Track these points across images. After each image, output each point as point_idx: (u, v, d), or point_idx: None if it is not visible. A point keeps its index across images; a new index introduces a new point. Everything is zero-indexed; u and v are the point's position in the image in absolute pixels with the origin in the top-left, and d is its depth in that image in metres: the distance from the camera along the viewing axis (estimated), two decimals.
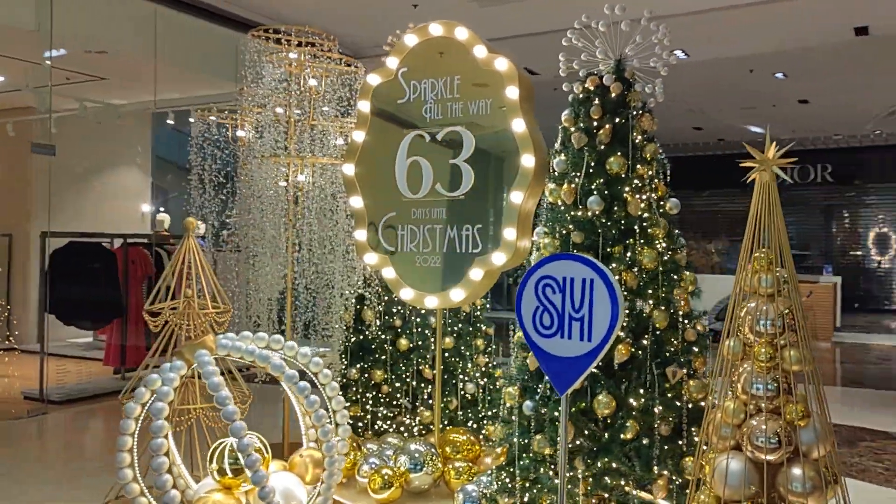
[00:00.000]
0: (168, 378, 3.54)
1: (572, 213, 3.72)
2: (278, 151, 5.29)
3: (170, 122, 11.11)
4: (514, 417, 3.75)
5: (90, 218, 11.26)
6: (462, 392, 5.43)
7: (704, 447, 3.17)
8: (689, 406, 3.52)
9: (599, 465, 3.44)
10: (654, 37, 3.70)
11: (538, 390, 3.67)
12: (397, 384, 5.42)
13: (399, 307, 5.50)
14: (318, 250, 5.20)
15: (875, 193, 18.88)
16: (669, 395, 3.51)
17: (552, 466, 3.56)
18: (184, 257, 4.58)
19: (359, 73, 5.11)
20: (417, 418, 5.29)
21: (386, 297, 5.49)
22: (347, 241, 5.19)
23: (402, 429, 5.33)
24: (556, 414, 3.52)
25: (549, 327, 3.14)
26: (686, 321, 3.65)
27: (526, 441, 3.64)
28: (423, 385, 5.43)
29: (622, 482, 3.43)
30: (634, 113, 3.76)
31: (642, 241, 3.65)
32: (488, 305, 5.77)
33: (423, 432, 5.19)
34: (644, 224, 3.65)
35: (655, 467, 3.42)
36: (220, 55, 9.21)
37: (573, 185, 3.75)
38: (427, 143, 4.40)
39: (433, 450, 4.39)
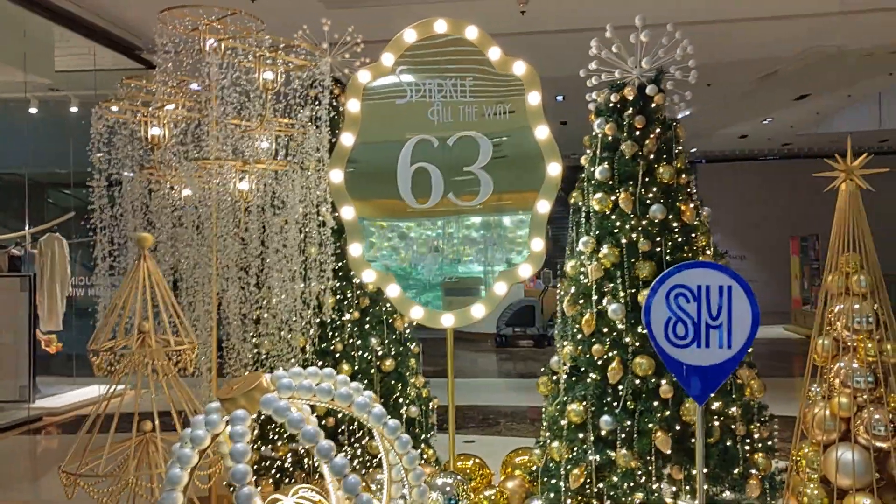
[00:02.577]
0: (238, 433, 2.83)
1: (632, 222, 3.69)
2: (206, 154, 4.53)
3: None
4: (581, 434, 3.62)
5: None
6: (405, 415, 5.09)
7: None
8: (751, 405, 3.67)
9: (694, 471, 3.45)
10: (680, 47, 3.82)
11: (615, 405, 3.57)
12: (339, 415, 4.91)
13: (336, 332, 4.98)
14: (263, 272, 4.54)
15: None
16: (739, 396, 3.63)
17: (641, 478, 3.48)
18: (137, 282, 3.71)
19: (316, 66, 4.54)
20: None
21: (318, 320, 4.96)
22: (294, 262, 4.59)
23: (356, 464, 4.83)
24: (648, 425, 3.46)
25: (683, 337, 3.08)
26: None
27: (603, 457, 3.52)
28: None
29: (715, 486, 3.47)
30: (674, 122, 3.85)
31: (695, 248, 3.74)
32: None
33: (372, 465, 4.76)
34: (696, 233, 3.75)
35: (740, 467, 3.51)
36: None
37: (630, 194, 3.72)
38: (435, 148, 4.06)
39: (461, 479, 4.04)
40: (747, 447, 3.59)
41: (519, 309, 12.68)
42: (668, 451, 3.44)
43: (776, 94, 12.01)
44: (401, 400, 5.07)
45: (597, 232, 3.79)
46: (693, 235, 3.73)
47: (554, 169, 3.99)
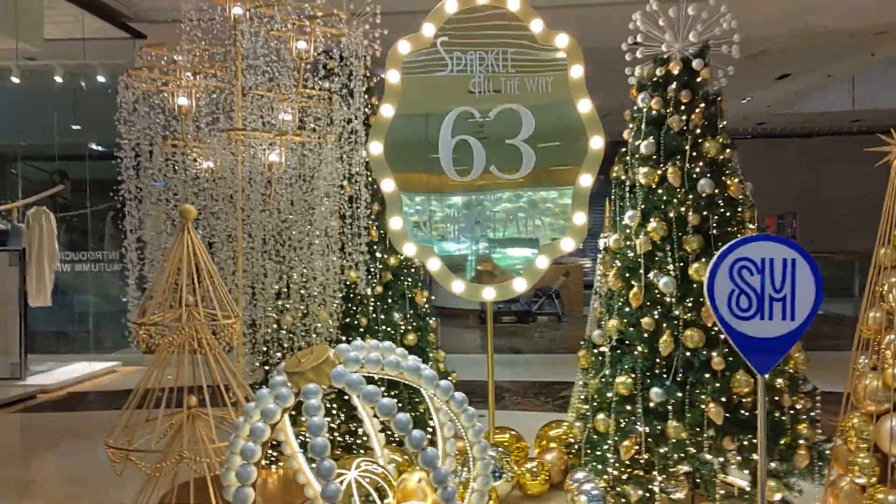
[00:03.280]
0: (313, 406, 2.79)
1: (680, 196, 3.71)
2: (232, 125, 4.44)
3: None
4: (629, 406, 3.65)
5: None
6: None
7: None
8: (795, 377, 3.73)
9: (746, 442, 3.51)
10: (723, 20, 3.82)
11: (665, 378, 3.61)
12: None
13: (359, 307, 4.93)
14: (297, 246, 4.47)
15: None
16: (785, 368, 3.69)
17: (691, 449, 3.53)
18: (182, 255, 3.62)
19: (342, 34, 4.43)
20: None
21: (342, 294, 4.90)
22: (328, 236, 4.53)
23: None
24: (701, 396, 3.50)
25: (746, 309, 3.11)
26: None
27: (651, 429, 3.56)
28: (396, 392, 4.97)
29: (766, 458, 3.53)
30: (718, 97, 3.86)
31: (741, 222, 3.77)
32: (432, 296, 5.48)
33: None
34: (742, 207, 3.78)
35: (788, 437, 3.58)
36: None
37: (678, 168, 3.73)
38: (477, 121, 4.02)
39: (503, 451, 4.05)
40: (792, 418, 3.66)
41: None
42: (720, 423, 3.48)
43: (759, 73, 12.14)
44: None
45: (643, 206, 3.80)
46: (739, 210, 3.76)
47: (596, 142, 3.99)
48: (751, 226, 3.82)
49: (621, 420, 3.67)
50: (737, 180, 3.78)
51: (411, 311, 5.09)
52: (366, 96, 4.48)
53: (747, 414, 3.56)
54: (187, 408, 3.69)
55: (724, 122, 3.85)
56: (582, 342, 4.13)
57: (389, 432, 3.36)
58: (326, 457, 2.66)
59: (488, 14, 4.04)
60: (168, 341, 3.60)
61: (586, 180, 3.97)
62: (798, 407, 3.68)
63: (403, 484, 3.22)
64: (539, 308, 13.09)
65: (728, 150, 3.82)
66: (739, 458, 3.52)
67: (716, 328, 3.58)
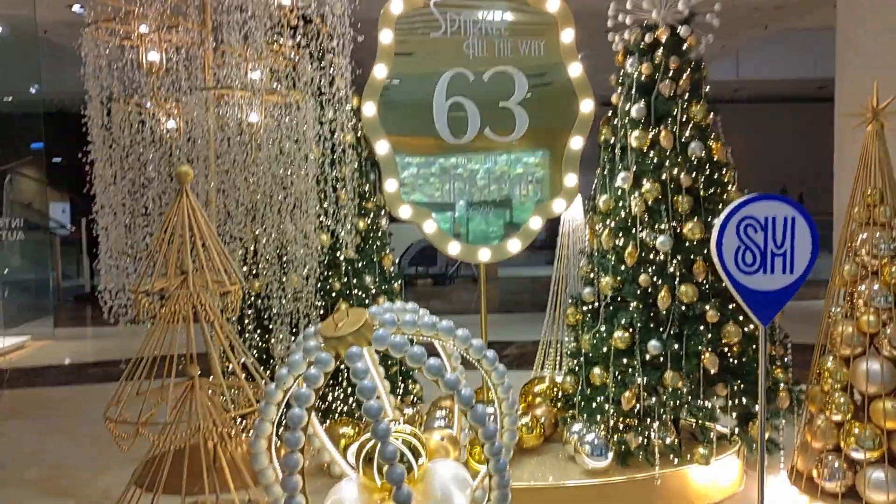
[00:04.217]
0: (361, 370, 2.78)
1: (671, 159, 3.88)
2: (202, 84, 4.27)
3: None
4: (625, 359, 3.83)
5: None
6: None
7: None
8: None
9: (735, 388, 3.77)
10: None
11: (661, 331, 3.80)
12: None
13: (329, 270, 4.88)
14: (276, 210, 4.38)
15: None
16: None
17: (689, 398, 3.76)
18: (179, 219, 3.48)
19: None
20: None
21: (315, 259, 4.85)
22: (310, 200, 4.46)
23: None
24: (697, 348, 3.72)
25: (751, 265, 3.33)
26: None
27: (648, 380, 3.76)
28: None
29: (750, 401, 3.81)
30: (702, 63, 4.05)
31: (726, 183, 3.99)
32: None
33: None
34: (725, 169, 4.00)
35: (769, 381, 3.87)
36: None
37: (669, 131, 3.90)
38: (471, 83, 4.04)
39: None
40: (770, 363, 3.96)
41: (421, 249, 12.82)
42: (715, 370, 3.73)
43: None
44: None
45: (634, 168, 3.96)
46: (723, 171, 3.98)
47: (587, 106, 4.09)
48: (732, 187, 4.05)
49: (618, 372, 3.85)
50: (720, 143, 4.00)
51: (379, 275, 5.10)
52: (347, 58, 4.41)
53: (735, 362, 3.82)
54: (188, 377, 3.58)
55: (707, 88, 4.05)
56: (571, 300, 4.28)
57: None
58: (383, 419, 2.67)
59: None
60: (166, 310, 3.47)
61: (577, 143, 4.08)
62: (773, 354, 3.98)
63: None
64: (456, 271, 13.28)
65: (711, 115, 4.02)
66: (730, 402, 3.78)
67: (706, 283, 3.81)
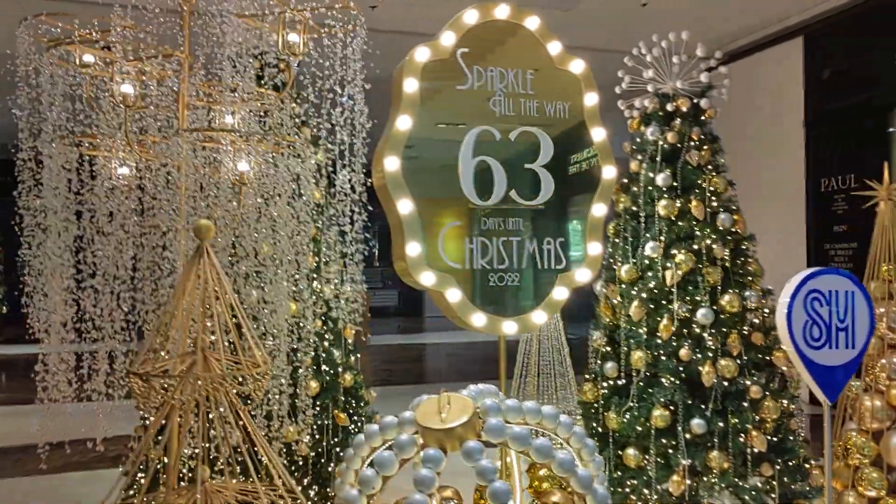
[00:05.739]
0: (431, 458, 2.32)
1: (707, 229, 3.81)
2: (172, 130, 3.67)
3: None
4: (663, 440, 3.62)
5: None
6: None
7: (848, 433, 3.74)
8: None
9: (779, 467, 3.66)
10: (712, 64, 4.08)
11: (703, 408, 3.64)
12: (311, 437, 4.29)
13: (297, 342, 4.31)
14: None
15: None
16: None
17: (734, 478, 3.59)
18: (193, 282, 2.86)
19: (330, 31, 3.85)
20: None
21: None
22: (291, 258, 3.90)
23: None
24: (743, 426, 3.59)
25: (818, 339, 3.27)
26: None
27: (698, 460, 3.57)
28: (335, 438, 4.42)
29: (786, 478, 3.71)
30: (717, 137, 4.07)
31: (748, 254, 3.97)
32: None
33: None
34: (746, 241, 3.99)
35: (798, 458, 3.81)
36: None
37: (700, 201, 3.84)
38: (498, 143, 3.76)
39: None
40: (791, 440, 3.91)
41: None
42: (764, 449, 3.60)
43: None
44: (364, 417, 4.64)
45: (677, 238, 3.83)
46: (744, 244, 3.96)
47: (609, 172, 3.94)
48: (752, 259, 4.02)
49: (657, 454, 3.62)
50: (740, 216, 3.99)
51: (345, 348, 4.60)
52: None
53: (774, 439, 3.73)
54: (201, 482, 2.87)
55: (724, 161, 4.05)
56: (587, 376, 4.03)
57: None
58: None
59: (507, 28, 3.81)
60: (176, 395, 2.79)
61: (599, 210, 3.90)
62: (793, 427, 3.95)
63: None
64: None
65: (729, 188, 4.02)
66: (775, 482, 3.67)
67: (745, 357, 3.71)
